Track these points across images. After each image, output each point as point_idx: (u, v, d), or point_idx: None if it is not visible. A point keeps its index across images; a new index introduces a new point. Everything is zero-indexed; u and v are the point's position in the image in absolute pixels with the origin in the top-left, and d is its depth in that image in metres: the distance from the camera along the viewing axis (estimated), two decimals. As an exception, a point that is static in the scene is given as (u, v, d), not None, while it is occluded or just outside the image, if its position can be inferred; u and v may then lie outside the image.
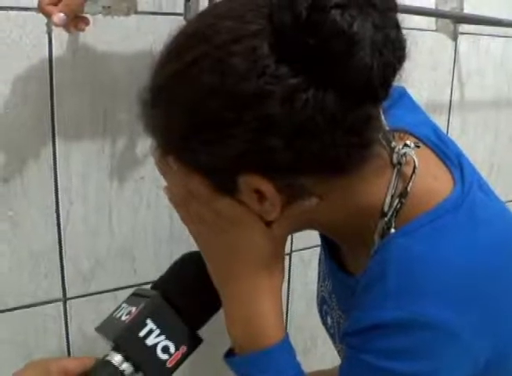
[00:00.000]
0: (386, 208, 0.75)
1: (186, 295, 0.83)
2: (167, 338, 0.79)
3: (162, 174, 0.78)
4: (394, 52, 0.65)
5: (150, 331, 0.78)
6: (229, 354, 0.83)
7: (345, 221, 0.78)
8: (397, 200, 0.75)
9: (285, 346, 0.79)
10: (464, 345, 0.69)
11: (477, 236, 0.73)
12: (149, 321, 0.79)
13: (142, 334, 0.78)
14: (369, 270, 0.75)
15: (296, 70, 0.63)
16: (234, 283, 0.78)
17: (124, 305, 0.84)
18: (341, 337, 0.79)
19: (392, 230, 0.75)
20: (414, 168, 0.76)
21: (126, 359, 0.77)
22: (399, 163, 0.76)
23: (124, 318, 0.80)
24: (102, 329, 0.84)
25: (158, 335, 0.79)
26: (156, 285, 0.85)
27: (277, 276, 0.79)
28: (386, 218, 0.75)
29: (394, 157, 0.76)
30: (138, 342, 0.78)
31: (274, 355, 0.78)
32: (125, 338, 0.78)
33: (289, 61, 0.63)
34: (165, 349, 0.79)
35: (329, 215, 0.76)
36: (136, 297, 0.85)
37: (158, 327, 0.79)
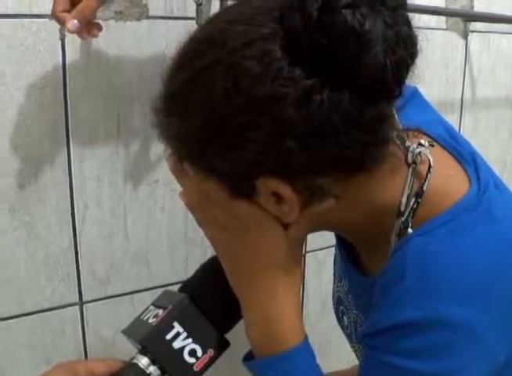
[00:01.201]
0: (402, 208, 0.75)
1: (214, 298, 0.82)
2: (195, 341, 0.79)
3: (177, 179, 0.78)
4: (406, 49, 0.65)
5: (177, 334, 0.78)
6: (248, 357, 0.82)
7: (361, 221, 0.78)
8: (413, 200, 0.75)
9: (305, 348, 0.79)
10: (484, 342, 0.70)
11: (494, 235, 0.73)
12: (176, 324, 0.78)
13: (169, 336, 0.78)
14: (387, 271, 0.75)
15: (310, 72, 0.63)
16: (252, 286, 0.78)
17: (151, 307, 0.84)
18: (360, 338, 0.79)
19: (409, 230, 0.75)
20: (429, 167, 0.76)
21: (153, 362, 0.77)
22: (414, 162, 0.76)
23: (151, 320, 0.80)
24: (129, 331, 0.84)
25: (185, 338, 0.78)
26: (183, 288, 0.85)
27: (295, 277, 0.79)
28: (403, 218, 0.75)
29: (409, 156, 0.76)
30: (165, 345, 0.77)
31: (294, 358, 0.78)
32: (152, 340, 0.78)
33: (302, 63, 0.63)
34: (192, 353, 0.79)
35: (346, 215, 0.76)
36: (164, 299, 0.85)
37: (185, 329, 0.78)
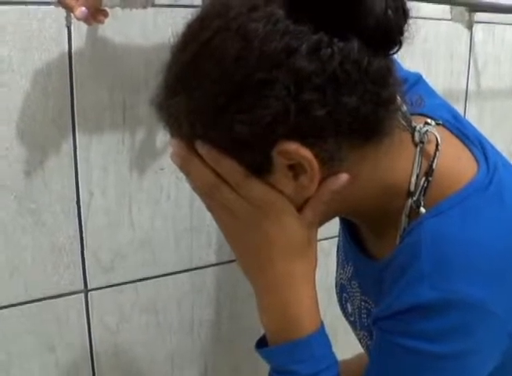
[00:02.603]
0: (412, 187, 0.76)
1: None
2: None
3: (184, 165, 0.76)
4: None
5: None
6: (261, 344, 0.82)
7: (372, 202, 0.78)
8: (423, 179, 0.76)
9: (321, 336, 0.78)
10: (500, 321, 0.70)
11: (507, 216, 0.74)
12: None
13: None
14: (399, 253, 0.75)
15: (315, 28, 0.65)
16: (268, 272, 0.77)
17: None
18: (372, 321, 0.78)
19: (422, 209, 0.75)
20: (437, 145, 0.77)
21: None
22: (421, 141, 0.77)
23: None
24: None
25: None
26: None
27: (311, 262, 0.79)
28: (414, 197, 0.76)
29: (416, 135, 0.77)
30: None
31: (310, 345, 0.77)
32: None
33: (306, 21, 0.65)
34: None
35: (358, 195, 0.76)
36: None
37: None
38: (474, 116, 1.83)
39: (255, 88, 0.66)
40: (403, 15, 0.68)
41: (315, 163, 0.69)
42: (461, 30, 1.75)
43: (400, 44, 0.69)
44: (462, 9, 1.71)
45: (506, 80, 1.91)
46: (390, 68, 0.70)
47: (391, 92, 0.71)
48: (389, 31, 0.67)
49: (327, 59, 0.65)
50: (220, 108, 0.68)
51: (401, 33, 0.68)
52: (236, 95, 0.67)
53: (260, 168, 0.72)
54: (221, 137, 0.70)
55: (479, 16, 1.76)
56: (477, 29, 1.78)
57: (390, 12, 0.66)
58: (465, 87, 1.80)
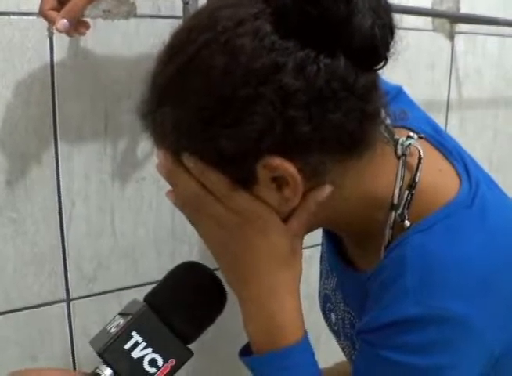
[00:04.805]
0: (396, 200, 0.77)
1: (176, 306, 0.81)
2: (155, 350, 0.77)
3: (170, 177, 0.76)
4: (387, 15, 0.68)
5: (136, 344, 0.77)
6: (245, 352, 0.82)
7: (356, 213, 0.78)
8: (407, 192, 0.76)
9: (305, 345, 0.79)
10: (481, 337, 0.71)
11: (491, 233, 0.74)
12: (134, 333, 0.77)
13: (127, 346, 0.77)
14: (384, 268, 0.76)
15: (302, 44, 0.65)
16: (252, 282, 0.77)
17: (117, 316, 0.83)
18: (356, 334, 0.79)
19: (407, 223, 0.76)
20: (420, 158, 0.77)
21: (115, 372, 0.76)
22: (404, 154, 0.78)
23: (112, 330, 0.79)
24: (93, 341, 0.82)
25: (144, 348, 0.77)
26: (147, 296, 0.83)
27: (296, 272, 0.79)
28: (399, 211, 0.76)
29: (399, 148, 0.78)
30: (124, 355, 0.76)
31: (294, 354, 0.77)
32: (110, 350, 0.76)
33: (293, 36, 0.65)
34: (152, 362, 0.77)
35: (342, 206, 0.77)
36: (128, 308, 0.84)
37: (144, 339, 0.77)
38: (455, 126, 1.84)
39: (241, 103, 0.66)
40: (390, 31, 0.68)
41: (298, 177, 0.70)
42: (443, 40, 1.76)
43: (386, 59, 0.69)
44: (443, 19, 1.72)
45: (487, 90, 1.92)
46: (375, 83, 0.71)
47: (375, 107, 0.71)
48: (376, 48, 0.67)
49: (313, 76, 0.65)
50: (205, 122, 0.68)
51: (387, 49, 0.68)
52: (222, 110, 0.67)
53: (245, 180, 0.72)
54: (206, 150, 0.70)
55: (461, 26, 1.77)
56: (459, 39, 1.79)
57: (377, 29, 0.66)
58: (446, 97, 1.82)
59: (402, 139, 0.79)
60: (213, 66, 0.66)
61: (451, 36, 1.76)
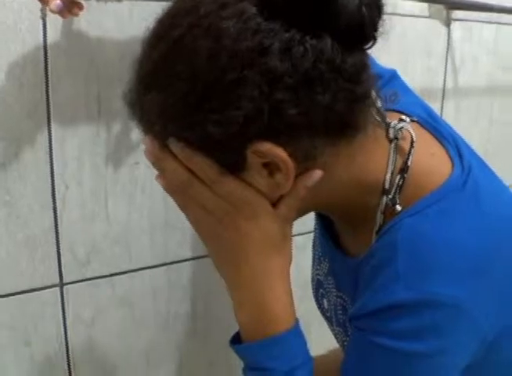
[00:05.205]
0: (387, 185, 0.76)
1: None
2: None
3: (158, 163, 0.76)
4: None
5: None
6: (235, 340, 0.82)
7: (347, 197, 0.78)
8: (398, 176, 0.76)
9: (296, 332, 0.78)
10: (474, 322, 0.71)
11: (483, 215, 0.74)
12: None
13: None
14: (375, 251, 0.76)
15: (287, 25, 0.64)
16: (242, 268, 0.77)
17: None
18: (348, 319, 0.79)
19: (398, 207, 0.75)
20: (412, 142, 0.77)
21: None
22: (396, 138, 0.77)
23: None
24: None
25: None
26: None
27: (286, 258, 0.79)
28: (390, 195, 0.76)
29: (391, 132, 0.78)
30: None
31: (285, 341, 0.77)
32: None
33: (278, 18, 0.64)
34: None
35: (332, 190, 0.77)
36: None
37: None
38: (450, 113, 1.84)
39: (227, 88, 0.65)
40: (377, 10, 0.67)
41: (289, 162, 0.69)
42: (439, 27, 1.76)
43: (374, 39, 0.68)
44: (440, 6, 1.71)
45: (482, 78, 1.92)
46: (364, 63, 0.70)
47: (365, 88, 0.71)
48: (363, 27, 0.66)
49: (299, 58, 0.65)
50: (192, 108, 0.68)
51: (375, 29, 0.68)
52: (208, 94, 0.66)
53: (234, 166, 0.72)
54: (193, 136, 0.70)
55: (457, 13, 1.77)
56: (455, 27, 1.79)
57: (363, 8, 0.65)
58: (442, 84, 1.82)
59: (394, 122, 0.78)
60: (197, 50, 0.66)
61: (447, 23, 1.76)
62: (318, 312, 1.05)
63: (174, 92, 0.68)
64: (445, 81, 1.82)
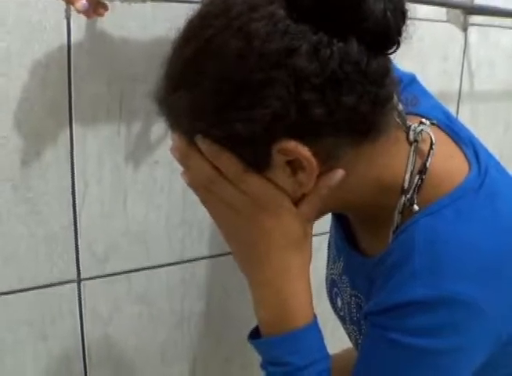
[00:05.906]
0: (406, 185, 0.77)
1: None
2: None
3: (184, 159, 0.77)
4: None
5: None
6: (253, 335, 0.83)
7: (367, 197, 0.79)
8: (417, 177, 0.77)
9: (314, 328, 0.80)
10: (490, 321, 0.71)
11: (500, 216, 0.75)
12: None
13: None
14: (393, 251, 0.77)
15: (315, 28, 0.66)
16: (264, 265, 0.78)
17: None
18: (363, 316, 0.80)
19: (415, 207, 0.76)
20: (431, 144, 0.78)
21: None
22: (416, 140, 0.78)
23: None
24: None
25: None
26: None
27: (306, 256, 0.80)
28: (408, 195, 0.77)
29: (411, 134, 0.79)
30: None
31: (305, 336, 0.79)
32: None
33: (306, 21, 0.66)
34: None
35: (352, 190, 0.78)
36: None
37: None
38: (466, 117, 1.84)
39: (255, 87, 0.67)
40: (402, 16, 0.69)
41: (313, 161, 0.71)
42: (456, 32, 1.76)
43: (398, 44, 0.70)
44: (457, 11, 1.72)
45: (499, 82, 1.92)
46: (388, 68, 0.71)
47: (388, 92, 0.72)
48: (388, 32, 0.68)
49: (326, 60, 0.66)
50: (220, 106, 0.69)
51: (399, 33, 0.69)
52: (236, 93, 0.68)
53: (259, 164, 0.73)
54: (220, 134, 0.71)
55: (474, 18, 1.77)
56: (472, 31, 1.79)
57: (389, 13, 0.67)
58: (458, 88, 1.82)
59: (415, 125, 0.79)
60: (227, 50, 0.67)
61: (464, 27, 1.76)
62: (332, 315, 1.06)
63: (203, 90, 0.70)
64: (461, 84, 1.82)
